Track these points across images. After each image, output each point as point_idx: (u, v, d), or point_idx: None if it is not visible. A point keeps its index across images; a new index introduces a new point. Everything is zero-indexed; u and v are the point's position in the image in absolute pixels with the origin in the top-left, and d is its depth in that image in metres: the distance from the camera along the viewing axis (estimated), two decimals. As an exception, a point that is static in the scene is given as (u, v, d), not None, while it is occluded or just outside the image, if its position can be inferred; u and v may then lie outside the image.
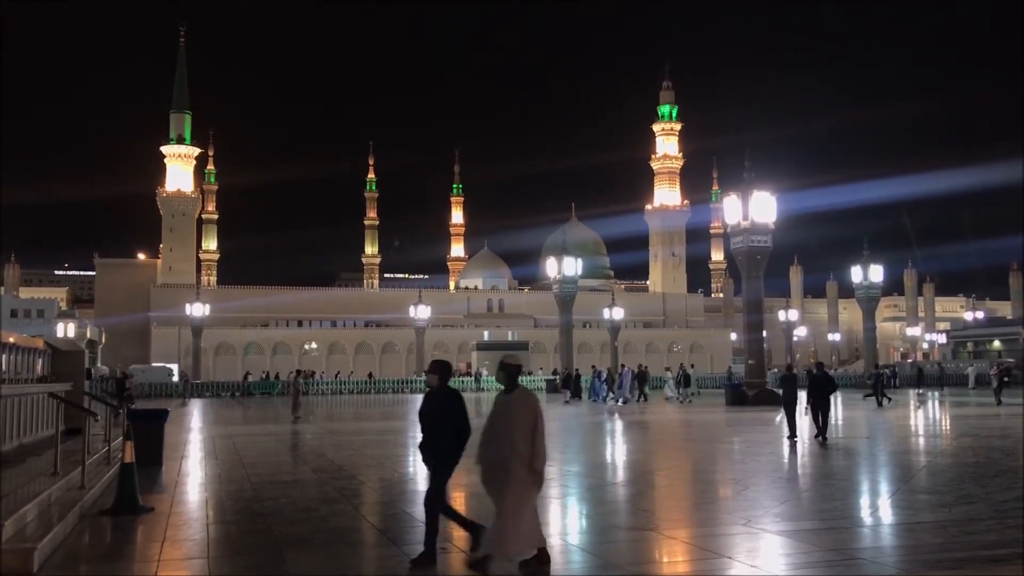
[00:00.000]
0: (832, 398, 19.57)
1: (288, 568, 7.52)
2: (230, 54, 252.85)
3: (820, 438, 18.19)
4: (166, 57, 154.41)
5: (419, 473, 14.84)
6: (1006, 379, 51.80)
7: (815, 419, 18.70)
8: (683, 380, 42.22)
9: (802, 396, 19.70)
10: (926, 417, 28.95)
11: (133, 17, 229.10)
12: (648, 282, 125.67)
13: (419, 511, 10.48)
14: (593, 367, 51.23)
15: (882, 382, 36.42)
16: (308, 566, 7.60)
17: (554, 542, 8.68)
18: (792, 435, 18.62)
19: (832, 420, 20.62)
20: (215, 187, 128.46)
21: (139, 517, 9.77)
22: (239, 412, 35.14)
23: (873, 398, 34.37)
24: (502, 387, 7.13)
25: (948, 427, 24.49)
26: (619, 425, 26.51)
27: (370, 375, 68.36)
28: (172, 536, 8.83)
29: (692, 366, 56.78)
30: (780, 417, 28.84)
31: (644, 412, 31.82)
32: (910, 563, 7.55)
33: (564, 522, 10.09)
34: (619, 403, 37.72)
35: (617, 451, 19.08)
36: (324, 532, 9.04)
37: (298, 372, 32.92)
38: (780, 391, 22.15)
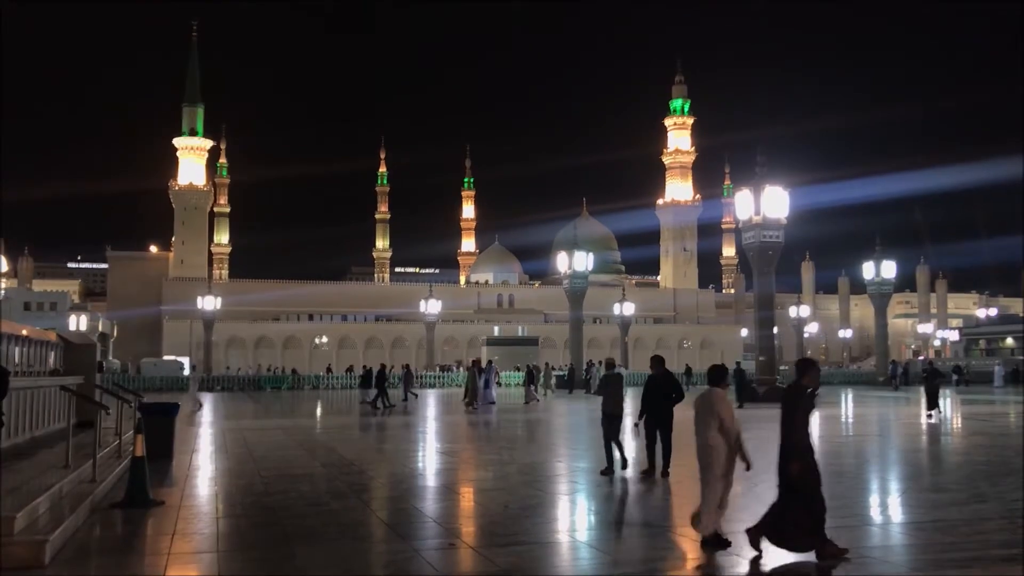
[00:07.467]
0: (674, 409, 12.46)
1: (298, 562, 7.55)
2: (243, 49, 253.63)
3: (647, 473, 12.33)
4: (179, 52, 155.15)
5: (428, 468, 14.89)
6: (956, 378, 49.90)
7: (649, 441, 12.55)
8: (528, 377, 36.63)
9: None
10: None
11: (146, 12, 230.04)
12: (659, 277, 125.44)
13: (428, 507, 10.53)
14: (474, 361, 37.71)
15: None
16: (318, 561, 7.62)
17: (562, 539, 8.70)
18: (607, 468, 12.59)
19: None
20: (227, 181, 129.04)
21: (149, 510, 9.82)
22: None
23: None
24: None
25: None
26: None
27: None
28: (182, 530, 8.87)
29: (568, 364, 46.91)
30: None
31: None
32: (920, 562, 7.50)
33: (572, 518, 10.09)
34: (478, 405, 31.90)
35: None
36: (333, 526, 9.07)
37: (474, 362, 33.38)
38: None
